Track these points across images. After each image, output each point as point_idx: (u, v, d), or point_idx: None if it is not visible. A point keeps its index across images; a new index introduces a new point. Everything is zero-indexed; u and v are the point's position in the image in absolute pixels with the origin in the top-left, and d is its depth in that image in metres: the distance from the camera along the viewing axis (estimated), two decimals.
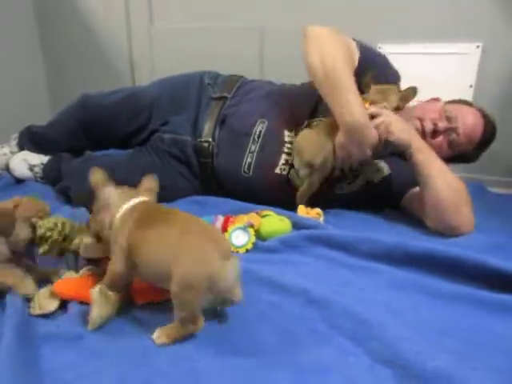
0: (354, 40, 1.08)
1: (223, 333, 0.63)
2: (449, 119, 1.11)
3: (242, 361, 0.58)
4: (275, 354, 0.60)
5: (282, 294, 0.72)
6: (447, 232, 0.97)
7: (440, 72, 1.48)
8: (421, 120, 1.11)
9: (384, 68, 1.10)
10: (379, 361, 0.58)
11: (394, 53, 1.44)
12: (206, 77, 1.26)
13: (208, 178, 1.19)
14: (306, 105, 1.12)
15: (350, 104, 0.92)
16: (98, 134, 1.24)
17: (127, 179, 1.20)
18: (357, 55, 1.06)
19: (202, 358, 0.58)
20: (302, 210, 1.01)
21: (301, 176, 1.03)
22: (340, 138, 0.97)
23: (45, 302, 0.68)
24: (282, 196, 1.10)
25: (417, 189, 1.05)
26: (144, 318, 0.66)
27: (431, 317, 0.69)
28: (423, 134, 1.09)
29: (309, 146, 1.00)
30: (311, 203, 1.06)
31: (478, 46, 1.44)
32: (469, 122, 1.12)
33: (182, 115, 1.20)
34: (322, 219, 1.01)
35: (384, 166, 1.11)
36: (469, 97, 1.43)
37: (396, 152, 1.08)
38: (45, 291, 0.69)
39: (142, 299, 0.70)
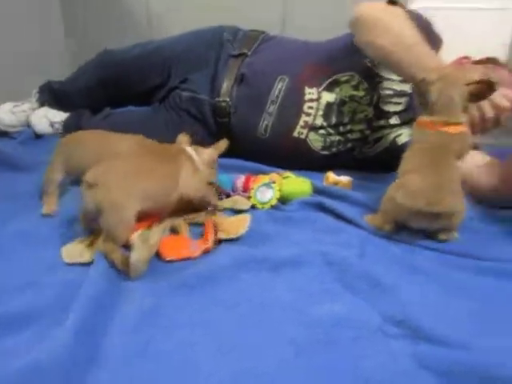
0: (399, 6, 1.02)
1: (238, 287, 0.65)
2: None
3: (254, 315, 0.60)
4: (286, 308, 0.61)
5: (300, 254, 0.72)
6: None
7: (472, 28, 1.40)
8: None
9: (427, 33, 1.03)
10: (390, 321, 0.59)
11: (426, 7, 1.36)
12: (225, 33, 1.22)
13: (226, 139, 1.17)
14: (333, 61, 1.08)
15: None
16: (117, 90, 1.23)
17: (146, 136, 1.20)
18: None
19: (215, 307, 0.61)
20: (331, 179, 1.00)
21: None
22: None
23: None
24: (299, 159, 1.10)
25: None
26: None
27: (447, 277, 0.70)
28: None
29: None
30: (331, 168, 1.05)
31: None
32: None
33: (200, 73, 1.17)
34: (349, 188, 0.98)
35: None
36: (502, 57, 1.36)
37: None
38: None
39: (172, 255, 0.71)
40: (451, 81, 0.76)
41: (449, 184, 0.74)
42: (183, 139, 0.90)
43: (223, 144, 0.92)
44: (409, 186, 0.74)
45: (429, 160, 0.75)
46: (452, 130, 0.76)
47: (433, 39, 1.00)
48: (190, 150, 0.86)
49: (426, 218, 0.75)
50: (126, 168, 0.73)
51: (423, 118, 0.79)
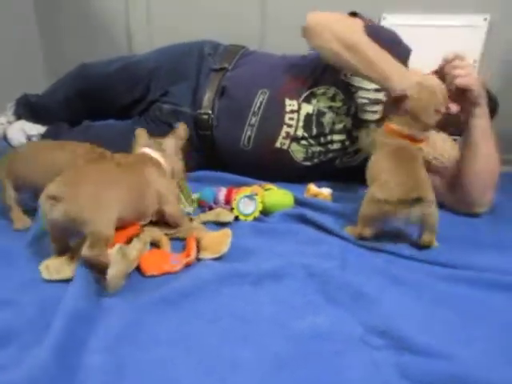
0: (358, 18, 1.06)
1: (220, 301, 0.64)
2: None
3: (236, 329, 0.59)
4: (269, 321, 0.61)
5: (283, 266, 0.72)
6: (467, 209, 0.97)
7: (443, 45, 1.43)
8: None
9: (392, 44, 1.07)
10: (373, 332, 0.59)
11: (398, 24, 1.41)
12: (206, 47, 1.23)
13: (208, 151, 1.18)
14: (309, 74, 1.10)
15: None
16: (97, 103, 1.22)
17: (126, 150, 1.19)
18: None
19: (196, 322, 0.60)
20: (312, 191, 1.01)
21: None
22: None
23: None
24: (281, 170, 1.12)
25: None
26: None
27: (429, 286, 0.71)
28: None
29: None
30: (312, 179, 1.06)
31: (485, 19, 1.40)
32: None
33: (182, 86, 1.18)
34: (330, 200, 0.99)
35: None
36: None
37: None
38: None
39: (152, 270, 0.70)
40: (430, 91, 0.83)
41: (422, 179, 0.80)
42: (141, 133, 0.88)
43: (182, 128, 0.91)
44: (386, 183, 0.79)
45: (400, 160, 0.82)
46: (416, 144, 0.84)
47: (399, 49, 1.04)
48: (155, 154, 0.85)
49: (406, 207, 0.78)
50: (94, 178, 0.70)
51: (392, 126, 0.85)
